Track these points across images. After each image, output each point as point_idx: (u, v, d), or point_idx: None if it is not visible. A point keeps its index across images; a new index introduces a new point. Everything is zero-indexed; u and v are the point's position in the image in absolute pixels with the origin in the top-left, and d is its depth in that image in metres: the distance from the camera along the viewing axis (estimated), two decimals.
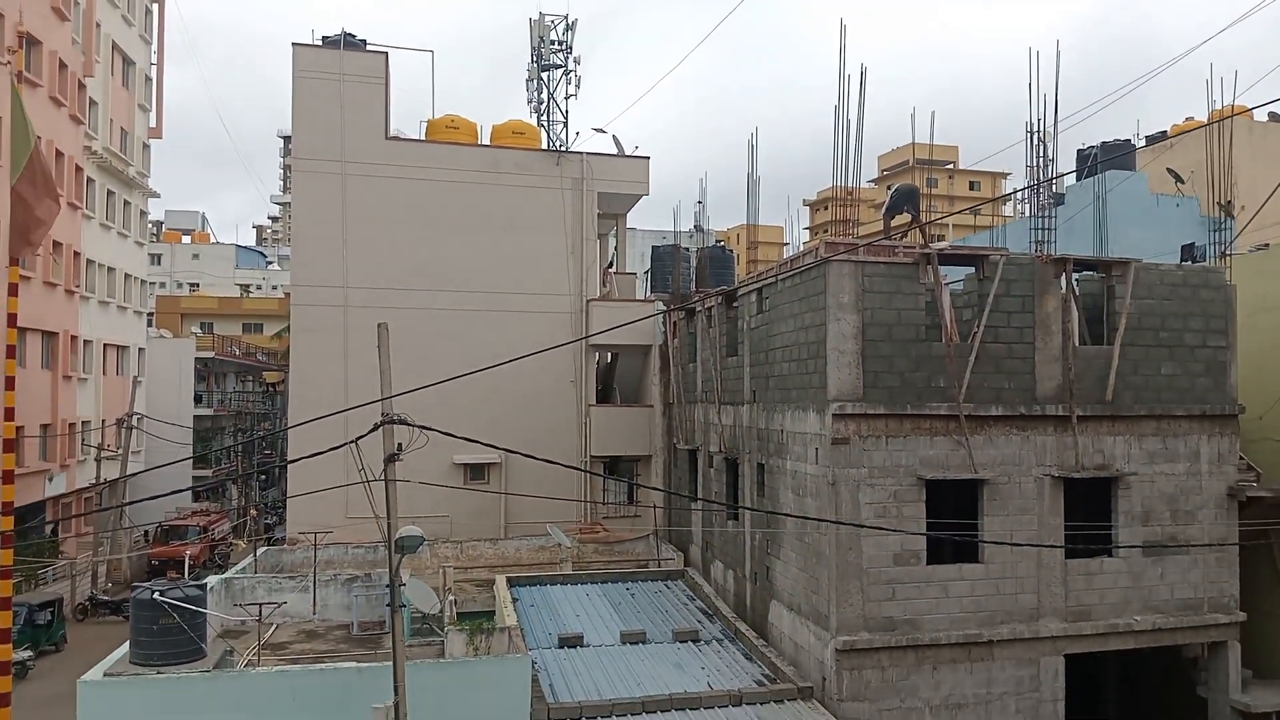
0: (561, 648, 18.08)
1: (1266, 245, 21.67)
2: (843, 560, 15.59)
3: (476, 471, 28.50)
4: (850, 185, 25.58)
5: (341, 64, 28.90)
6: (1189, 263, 19.79)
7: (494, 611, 20.45)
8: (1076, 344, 17.02)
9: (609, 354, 32.63)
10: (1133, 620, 16.63)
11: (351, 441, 12.39)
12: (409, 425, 13.31)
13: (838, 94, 19.81)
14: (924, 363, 16.15)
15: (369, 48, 30.09)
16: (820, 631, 16.08)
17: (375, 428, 12.72)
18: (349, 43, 29.80)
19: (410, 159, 29.46)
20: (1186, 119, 37.30)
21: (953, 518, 16.19)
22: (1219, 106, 23.05)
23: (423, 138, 31.32)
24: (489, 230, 29.60)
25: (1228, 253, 20.27)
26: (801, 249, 28.96)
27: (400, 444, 14.21)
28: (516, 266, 29.67)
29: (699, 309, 24.75)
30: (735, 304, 22.09)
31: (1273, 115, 34.13)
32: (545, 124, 32.56)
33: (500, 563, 25.01)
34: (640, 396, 30.58)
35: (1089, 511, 17.01)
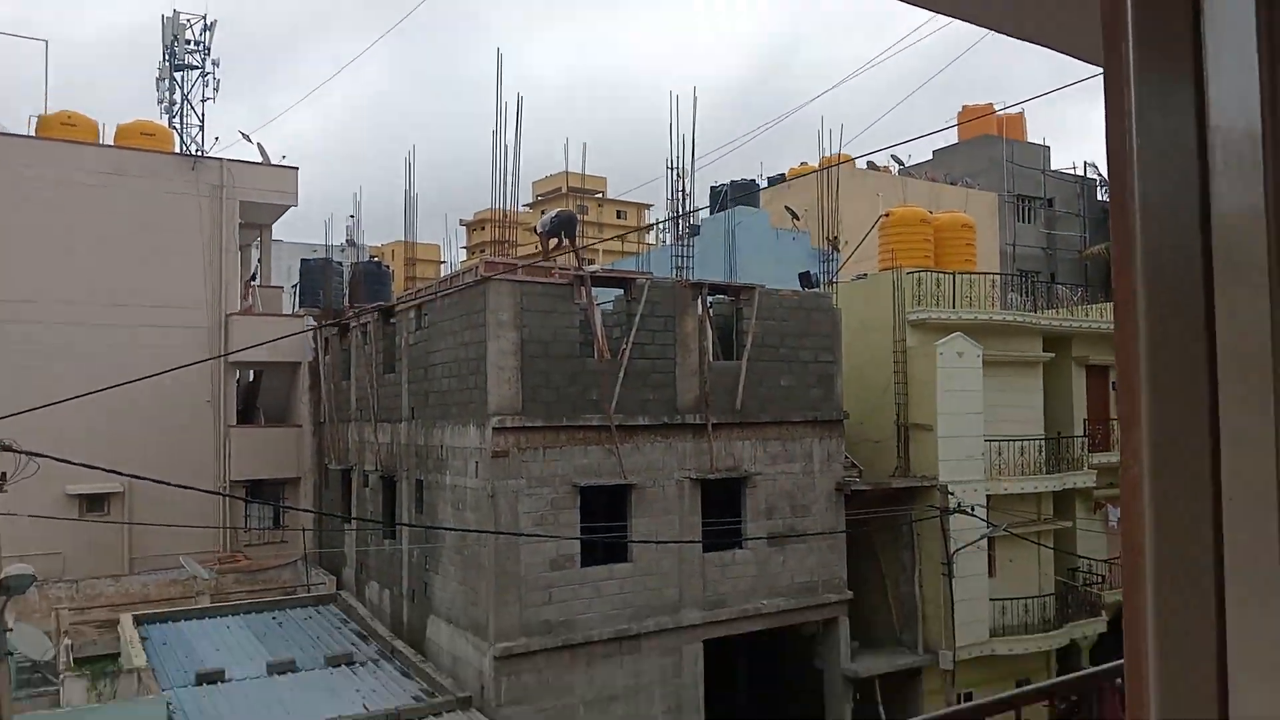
0: (200, 685, 16.71)
1: (865, 275, 25.02)
2: (501, 569, 15.88)
3: (95, 502, 25.52)
4: (507, 208, 26.15)
5: None
6: (805, 289, 22.39)
7: (119, 654, 18.46)
8: (711, 360, 18.65)
9: (251, 372, 30.68)
10: (760, 604, 18.44)
11: None
12: (14, 451, 11.89)
13: (496, 120, 20.35)
14: (579, 377, 16.92)
15: None
16: (479, 641, 16.23)
17: None
18: None
19: (17, 156, 25.96)
20: (802, 164, 42.02)
21: (605, 521, 17.07)
22: (828, 154, 26.32)
23: (33, 134, 27.76)
24: (113, 238, 26.71)
25: (834, 281, 23.16)
26: (460, 268, 29.04)
27: (4, 473, 12.64)
28: (146, 278, 27.01)
29: (354, 325, 24.07)
30: (393, 320, 21.76)
31: (870, 163, 39.46)
32: (179, 127, 30.13)
33: (125, 601, 22.57)
34: (287, 416, 29.04)
35: (722, 509, 18.67)
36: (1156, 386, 0.99)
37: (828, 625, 19.65)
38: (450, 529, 17.26)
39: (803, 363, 19.58)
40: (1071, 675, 3.48)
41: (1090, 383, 24.75)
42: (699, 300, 18.61)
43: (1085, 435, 23.89)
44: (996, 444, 21.82)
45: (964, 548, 20.41)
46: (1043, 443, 22.91)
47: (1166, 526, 0.96)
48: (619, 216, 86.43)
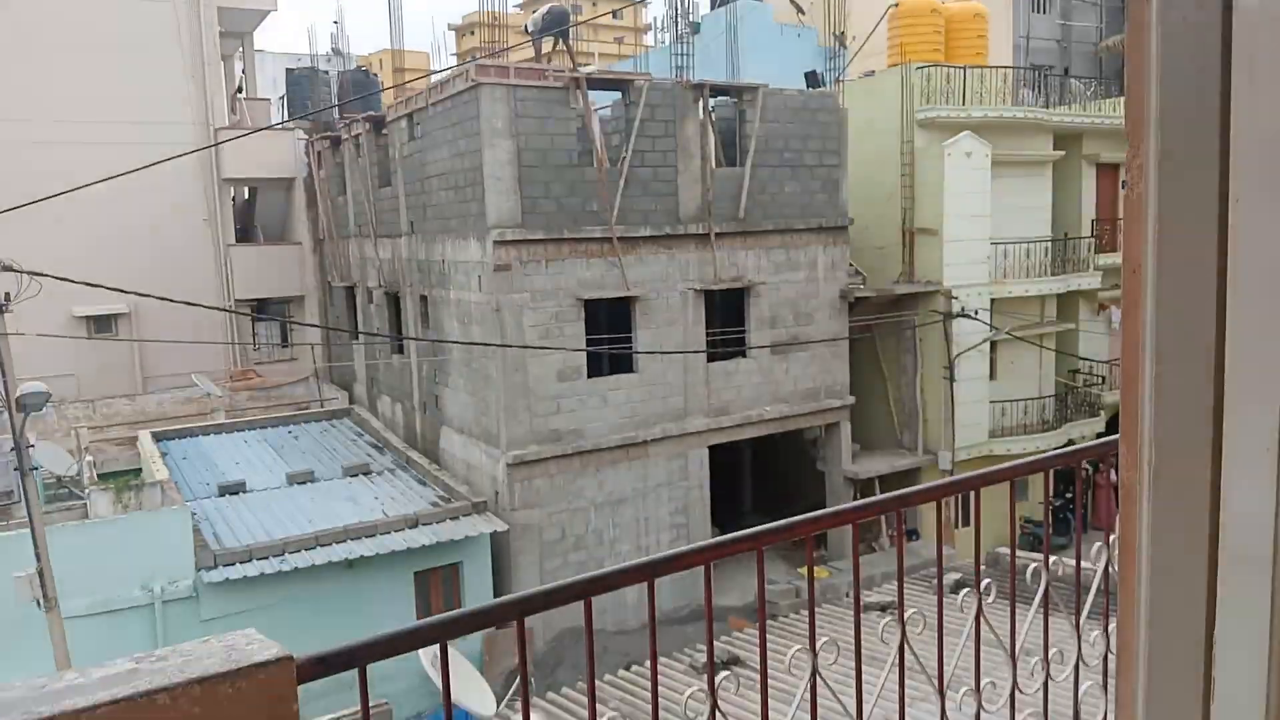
0: (222, 496, 17.34)
1: (873, 72, 24.04)
2: (510, 381, 16.10)
3: (102, 324, 25.65)
4: (497, 9, 24.79)
5: None
6: (811, 89, 21.55)
7: (140, 469, 19.04)
8: (714, 166, 18.20)
9: (246, 189, 30.17)
10: (764, 411, 18.81)
11: None
12: (16, 271, 11.82)
13: None
14: (578, 187, 16.57)
15: None
16: (491, 450, 16.67)
17: None
18: None
19: None
20: None
21: (609, 333, 17.16)
22: None
23: None
24: (88, 51, 25.61)
25: (841, 79, 22.29)
26: (450, 73, 27.91)
27: (7, 293, 12.62)
28: (131, 95, 26.04)
29: (345, 138, 23.43)
30: (385, 131, 21.13)
31: None
32: None
33: (141, 419, 23.08)
34: (286, 234, 28.75)
35: (726, 319, 18.74)
36: (1166, 174, 0.90)
37: (829, 429, 20.10)
38: (457, 342, 17.39)
39: (808, 167, 19.13)
40: (1067, 449, 3.52)
41: (1100, 182, 24.24)
42: (700, 103, 17.96)
43: (1093, 236, 23.62)
44: (1002, 247, 21.62)
45: (966, 351, 20.60)
46: (1049, 245, 22.68)
47: (1169, 303, 0.89)
48: (615, 17, 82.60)
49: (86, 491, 15.79)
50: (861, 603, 2.74)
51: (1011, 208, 21.67)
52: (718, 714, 2.25)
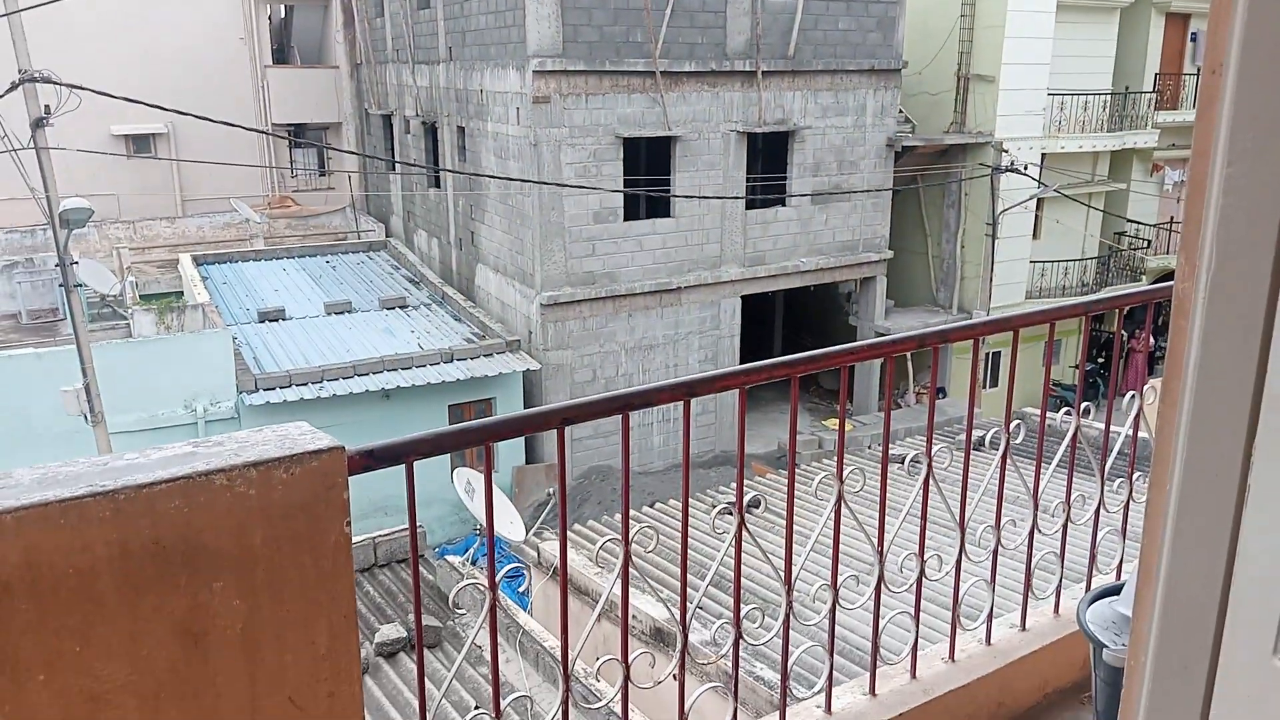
0: (262, 322, 17.67)
1: None
2: (546, 220, 16.02)
3: (141, 143, 25.59)
4: None
5: None
6: None
7: (182, 292, 19.39)
8: None
9: (282, 7, 29.39)
10: (800, 262, 18.64)
11: None
12: (55, 84, 11.75)
13: None
14: (621, 15, 15.97)
15: None
16: (526, 289, 16.76)
17: (14, 86, 11.05)
18: None
19: None
20: None
21: (648, 174, 16.90)
22: None
23: None
24: None
25: None
26: None
27: (47, 106, 12.58)
28: None
29: None
30: None
31: None
32: None
33: (181, 242, 23.35)
34: (322, 56, 28.20)
35: (767, 164, 18.34)
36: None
37: (864, 284, 19.91)
38: (494, 176, 17.21)
39: (863, 3, 18.21)
40: (1105, 294, 3.48)
41: (1168, 33, 22.98)
42: None
43: (1154, 91, 22.60)
44: (1059, 98, 20.78)
45: (1012, 208, 20.12)
46: (1108, 98, 21.76)
47: (1247, 104, 0.83)
48: None
49: (129, 311, 16.13)
50: (887, 446, 2.79)
51: (1072, 57, 20.72)
52: (744, 530, 2.33)
